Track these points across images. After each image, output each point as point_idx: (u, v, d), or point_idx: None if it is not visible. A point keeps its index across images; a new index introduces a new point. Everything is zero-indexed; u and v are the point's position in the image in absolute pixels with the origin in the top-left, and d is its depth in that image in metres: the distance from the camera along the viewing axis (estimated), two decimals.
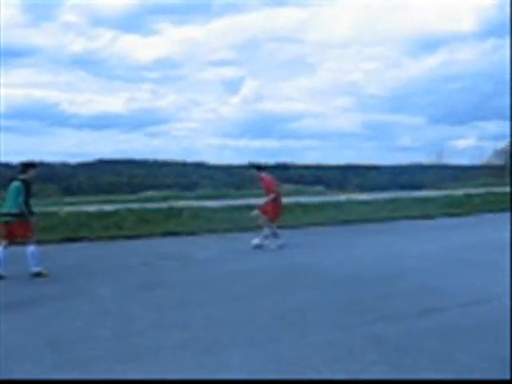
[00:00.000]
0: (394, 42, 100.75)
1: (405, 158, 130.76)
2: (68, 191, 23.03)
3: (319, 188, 35.99)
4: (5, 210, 9.29)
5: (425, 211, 19.62)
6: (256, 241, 12.50)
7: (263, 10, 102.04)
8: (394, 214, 19.31)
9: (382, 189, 31.39)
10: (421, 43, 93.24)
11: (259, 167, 12.96)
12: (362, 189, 32.78)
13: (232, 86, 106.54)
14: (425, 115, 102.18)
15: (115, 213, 16.91)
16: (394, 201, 22.53)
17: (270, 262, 10.52)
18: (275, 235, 12.61)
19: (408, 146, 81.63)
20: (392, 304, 7.13)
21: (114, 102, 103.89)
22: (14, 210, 9.18)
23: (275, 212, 12.68)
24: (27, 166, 9.48)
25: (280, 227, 14.94)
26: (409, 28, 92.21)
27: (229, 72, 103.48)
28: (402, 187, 33.02)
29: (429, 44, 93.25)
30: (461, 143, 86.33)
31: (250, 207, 19.12)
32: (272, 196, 12.52)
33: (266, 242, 12.47)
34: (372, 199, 22.81)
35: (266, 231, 12.62)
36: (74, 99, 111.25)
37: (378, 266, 9.98)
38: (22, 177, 9.33)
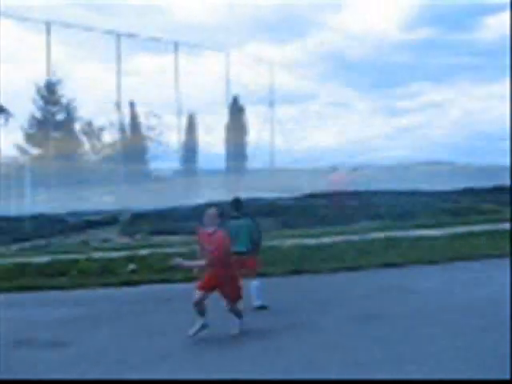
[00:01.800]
0: None
1: None
2: (285, 224, 23.97)
3: None
4: (240, 248, 9.51)
5: None
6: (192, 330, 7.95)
7: None
8: None
9: None
10: None
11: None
12: None
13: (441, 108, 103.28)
14: None
15: (333, 245, 17.14)
16: None
17: (502, 292, 9.77)
18: (201, 313, 7.99)
19: None
20: None
21: (324, 136, 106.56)
22: (249, 247, 9.72)
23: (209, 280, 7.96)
24: (238, 202, 10.03)
25: None
26: None
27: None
28: None
29: None
30: None
31: (472, 234, 18.12)
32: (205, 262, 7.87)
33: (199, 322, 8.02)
34: None
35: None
36: None
37: None
38: (237, 213, 9.87)
